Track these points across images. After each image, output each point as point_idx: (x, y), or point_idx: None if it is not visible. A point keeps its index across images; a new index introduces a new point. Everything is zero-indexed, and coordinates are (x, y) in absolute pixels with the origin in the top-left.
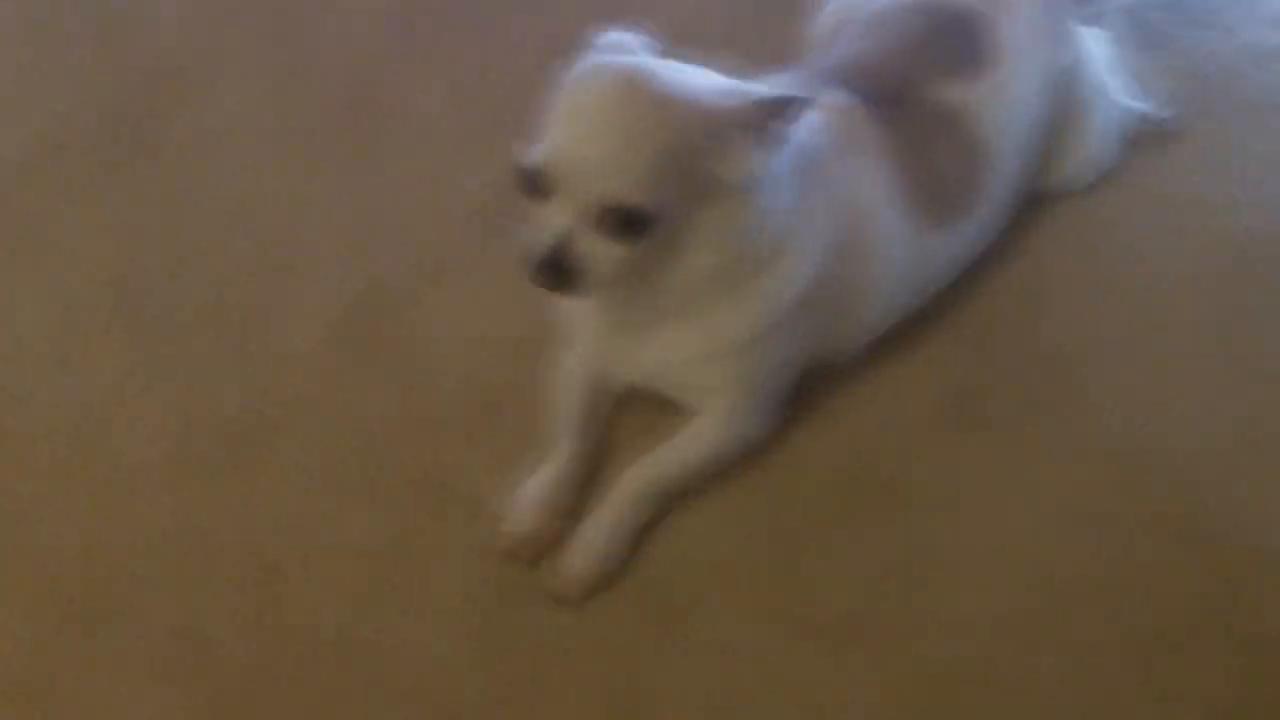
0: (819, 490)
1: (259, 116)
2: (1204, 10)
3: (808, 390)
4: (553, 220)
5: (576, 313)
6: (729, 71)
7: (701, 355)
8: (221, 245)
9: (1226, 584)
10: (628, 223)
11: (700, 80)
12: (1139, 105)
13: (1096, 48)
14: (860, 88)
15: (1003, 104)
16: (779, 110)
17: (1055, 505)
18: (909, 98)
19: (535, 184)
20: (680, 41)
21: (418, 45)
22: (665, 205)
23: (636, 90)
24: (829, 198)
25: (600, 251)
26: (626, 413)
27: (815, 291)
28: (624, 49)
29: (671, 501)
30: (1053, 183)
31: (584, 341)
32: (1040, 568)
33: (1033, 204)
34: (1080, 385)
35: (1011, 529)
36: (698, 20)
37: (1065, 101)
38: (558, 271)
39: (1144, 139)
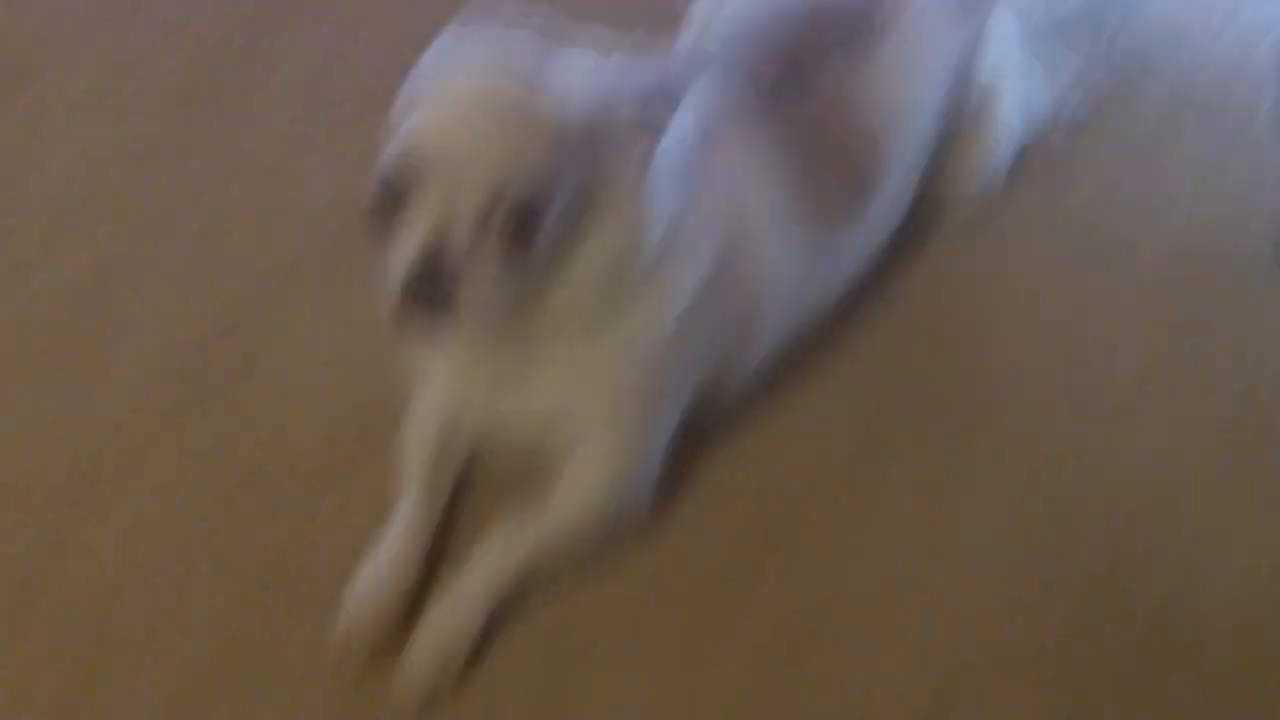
0: (714, 545)
1: (91, 111)
2: None
3: (700, 432)
4: (421, 224)
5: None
6: (604, 47)
7: (576, 389)
8: (41, 259)
9: (1157, 647)
10: (514, 223)
11: (572, 69)
12: (1046, 96)
13: (1004, 30)
14: (739, 73)
15: (893, 87)
16: (658, 100)
17: (971, 554)
18: (791, 82)
19: (394, 189)
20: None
21: (265, 32)
22: (553, 201)
23: (508, 81)
24: (709, 196)
25: (482, 260)
26: (484, 471)
27: (701, 304)
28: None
29: (533, 582)
30: (955, 181)
31: (439, 381)
32: (953, 630)
33: (934, 210)
34: (996, 417)
35: (925, 584)
36: None
37: (966, 88)
38: (430, 288)
39: (1054, 132)
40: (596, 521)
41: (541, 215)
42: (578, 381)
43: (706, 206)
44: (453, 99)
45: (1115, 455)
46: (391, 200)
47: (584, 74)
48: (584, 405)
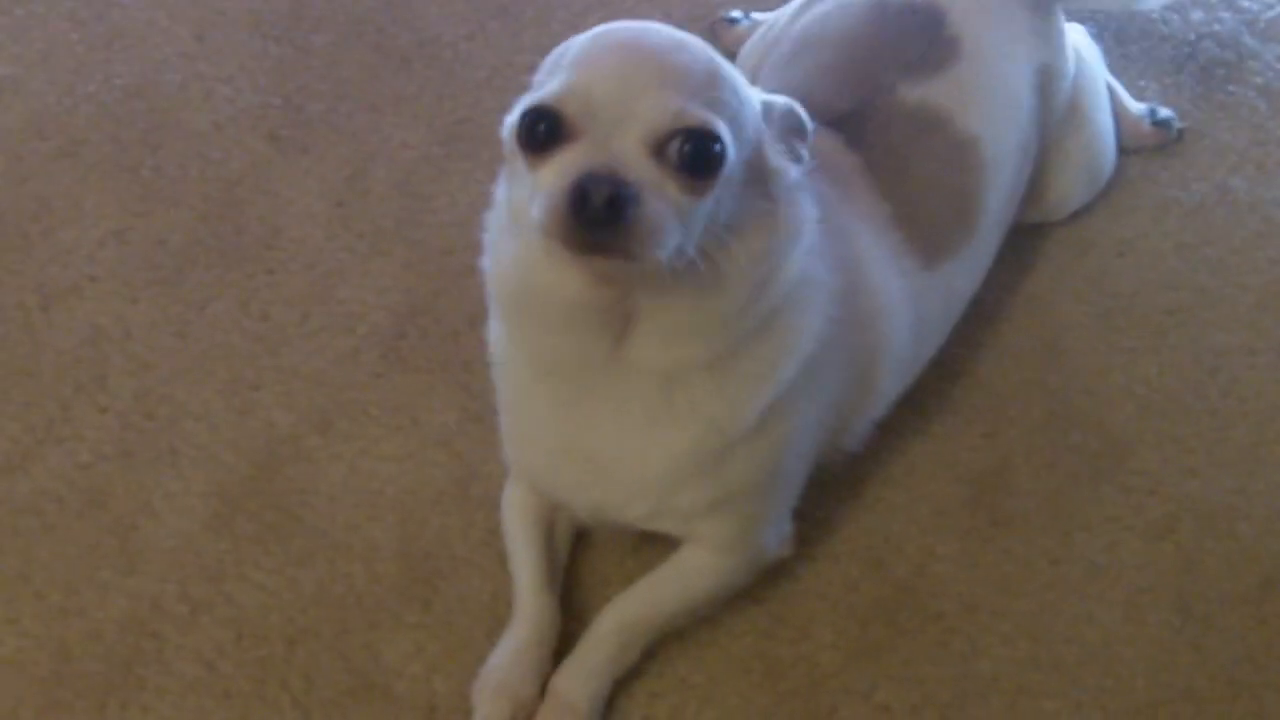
0: (829, 610)
1: (110, 242)
2: None
3: (811, 489)
4: (580, 157)
5: (519, 409)
6: None
7: (685, 457)
8: (76, 416)
9: None
10: (699, 157)
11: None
12: (1137, 107)
13: (1083, 43)
14: (814, 108)
15: (981, 96)
16: (797, 123)
17: (1106, 617)
18: (877, 111)
19: (547, 129)
20: None
21: (287, 153)
22: (733, 155)
23: (677, 33)
24: (829, 242)
25: (659, 189)
26: (600, 535)
27: (824, 358)
28: None
29: (660, 641)
30: (1049, 202)
31: (525, 445)
32: (1092, 693)
33: (1030, 235)
34: (1118, 456)
35: (1060, 663)
36: None
37: (1052, 105)
38: (610, 212)
39: (1149, 143)
40: (727, 587)
41: (720, 153)
42: (692, 440)
43: (827, 250)
44: (617, 39)
45: (1259, 485)
46: (546, 131)
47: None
48: (700, 475)
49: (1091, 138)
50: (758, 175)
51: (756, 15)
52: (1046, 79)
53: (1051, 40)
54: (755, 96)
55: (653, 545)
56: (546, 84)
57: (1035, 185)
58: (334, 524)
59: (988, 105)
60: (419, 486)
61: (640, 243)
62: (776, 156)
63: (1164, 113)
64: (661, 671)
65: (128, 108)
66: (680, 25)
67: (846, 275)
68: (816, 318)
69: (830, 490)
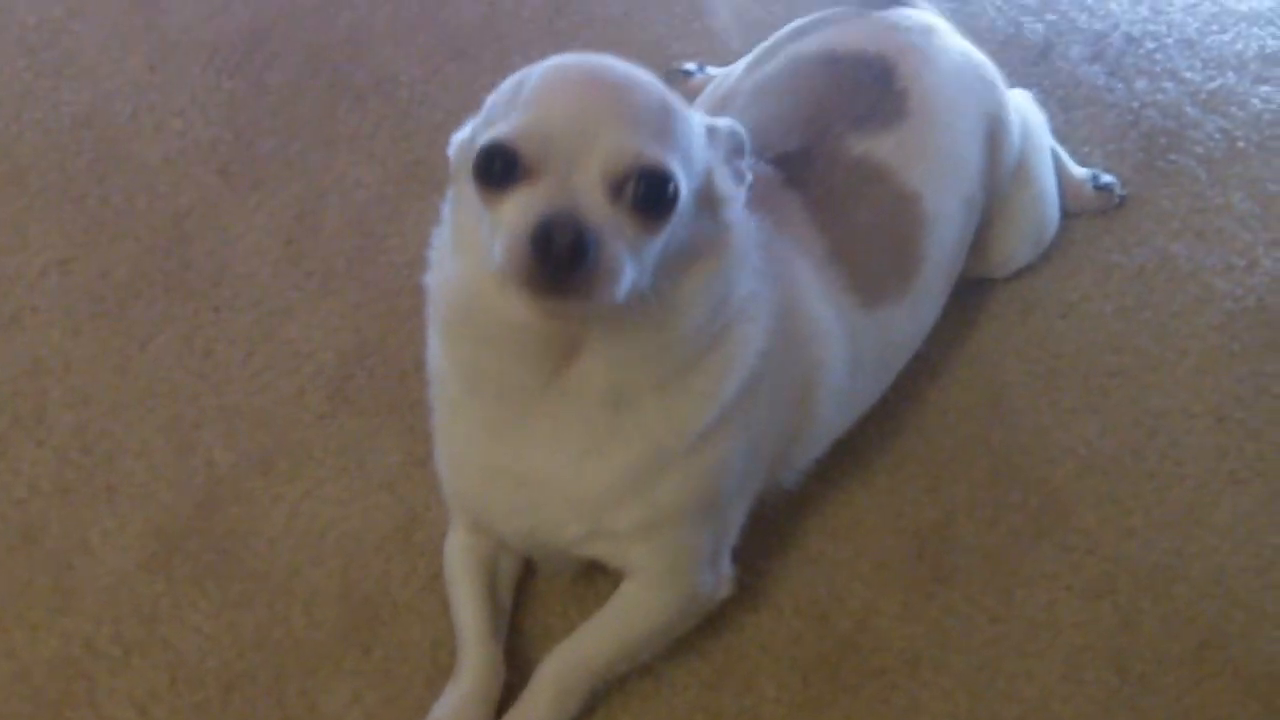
0: (773, 663)
1: (53, 272)
2: (1135, 58)
3: (753, 542)
4: (538, 197)
5: (453, 437)
6: None
7: (628, 480)
8: (12, 449)
9: None
10: (654, 198)
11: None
12: (1081, 171)
13: (1028, 108)
14: (761, 149)
15: (925, 154)
16: (739, 143)
17: (1046, 670)
18: (821, 156)
19: (504, 167)
20: None
21: (238, 188)
22: (685, 192)
23: (630, 69)
24: (769, 273)
25: (616, 228)
26: (542, 584)
27: (762, 383)
28: None
29: (603, 689)
30: (994, 259)
31: (459, 473)
32: None
33: (975, 293)
34: (1058, 515)
35: (1000, 705)
36: None
37: (999, 158)
38: (573, 256)
39: (1091, 207)
40: (665, 626)
41: (674, 194)
42: (631, 461)
43: (767, 279)
44: (574, 75)
45: (1196, 548)
46: (503, 168)
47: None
48: (638, 495)
49: (1036, 197)
50: (707, 202)
51: (711, 69)
52: (996, 128)
53: (998, 91)
54: (700, 121)
55: (596, 594)
56: (504, 118)
57: (981, 241)
58: (274, 567)
59: (932, 164)
60: (362, 531)
61: (599, 284)
62: (724, 182)
63: (1106, 178)
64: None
65: (76, 136)
66: None
67: (784, 293)
68: (760, 332)
69: (774, 542)
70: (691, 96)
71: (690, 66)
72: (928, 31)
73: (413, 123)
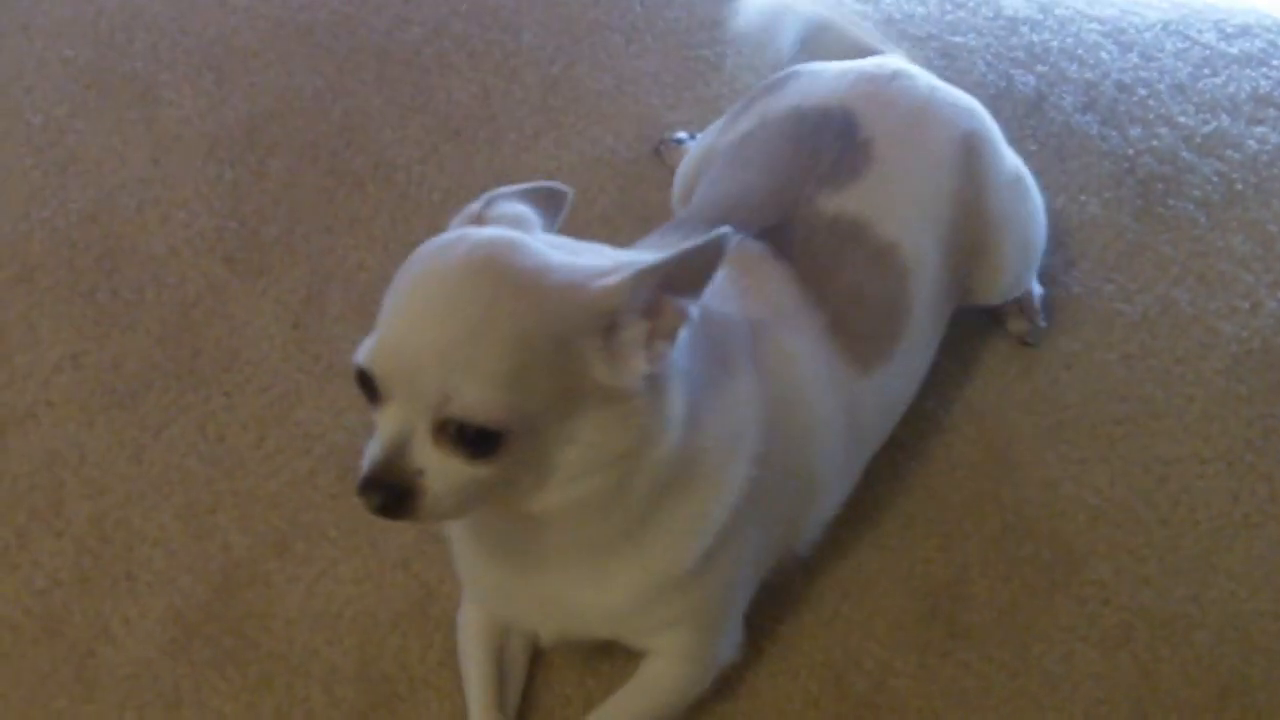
0: None
1: (65, 366)
2: (1128, 105)
3: (768, 604)
4: (386, 426)
5: (465, 552)
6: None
7: (636, 595)
8: (31, 542)
9: None
10: (473, 440)
11: (583, 257)
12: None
13: (999, 145)
14: (743, 222)
15: (894, 198)
16: (683, 275)
17: None
18: (799, 223)
19: (368, 386)
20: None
21: (244, 276)
22: (522, 420)
23: (493, 266)
24: (750, 370)
25: (443, 467)
26: (558, 657)
27: (758, 489)
28: (503, 219)
29: None
30: (972, 295)
31: (478, 584)
32: None
33: (978, 346)
34: (1071, 567)
35: None
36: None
37: (984, 169)
38: (388, 490)
39: (1092, 253)
40: (690, 695)
41: (496, 432)
42: (636, 580)
43: (747, 381)
44: (424, 291)
45: (1212, 594)
46: (369, 389)
47: (593, 262)
48: (649, 605)
49: (1031, 214)
50: (595, 391)
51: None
52: (973, 145)
53: (974, 113)
54: (594, 290)
55: (612, 662)
56: (367, 341)
57: (982, 265)
58: (292, 647)
59: (902, 209)
60: (377, 608)
61: (425, 516)
62: (631, 360)
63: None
64: None
65: (83, 232)
66: (629, 147)
67: (777, 402)
68: (735, 477)
69: (788, 605)
70: None
71: (682, 135)
72: (893, 76)
73: (411, 204)
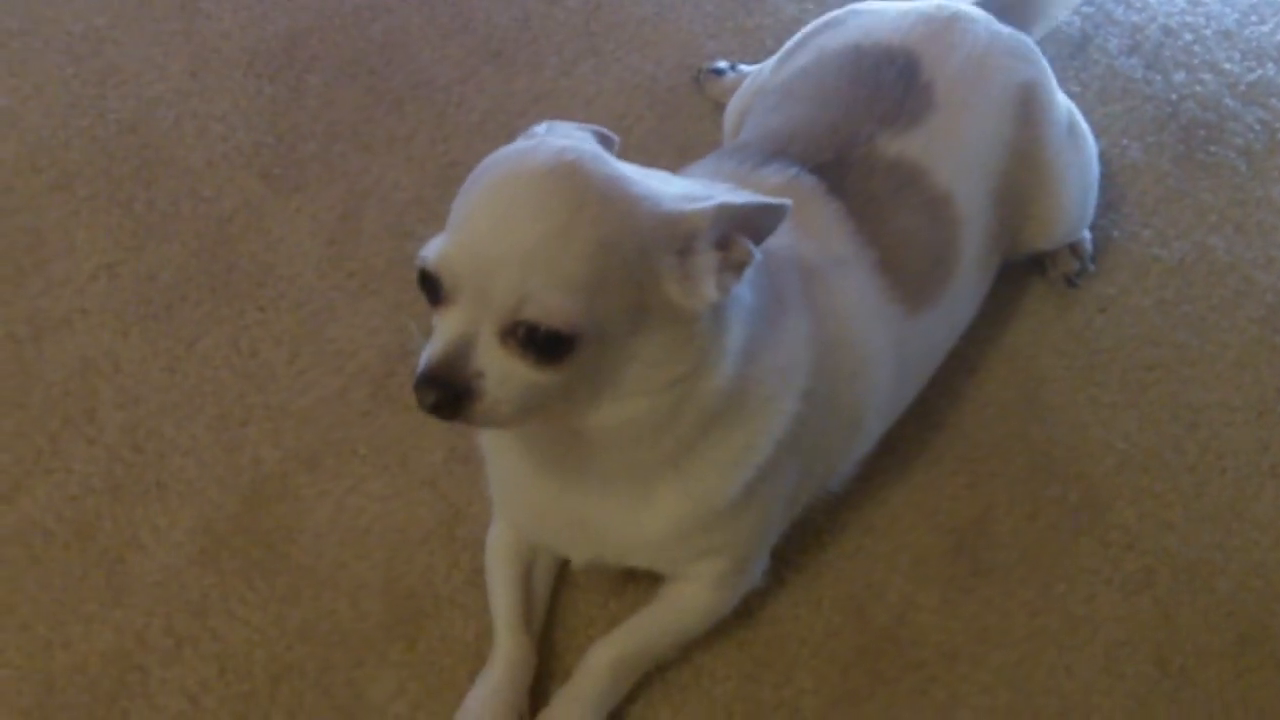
0: (811, 655)
1: (101, 276)
2: (1173, 50)
3: (792, 535)
4: (449, 326)
5: (504, 469)
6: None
7: (676, 523)
8: (64, 449)
9: None
10: (544, 344)
11: (656, 181)
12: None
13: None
14: (797, 155)
15: (953, 146)
16: (752, 222)
17: (1084, 664)
18: (856, 162)
19: (432, 287)
20: None
21: (280, 192)
22: (593, 327)
23: (580, 171)
24: (803, 308)
25: (505, 371)
26: (582, 577)
27: (803, 425)
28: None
29: (647, 674)
30: (1028, 242)
31: (515, 504)
32: None
33: (1013, 288)
34: (1097, 510)
35: (1040, 698)
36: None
37: (1041, 119)
38: (445, 388)
39: (1132, 198)
40: (717, 619)
41: (576, 343)
42: (675, 511)
43: (799, 321)
44: (501, 194)
45: (1236, 541)
46: (431, 288)
47: (669, 188)
48: (685, 538)
49: (1086, 164)
50: (662, 309)
51: (743, 67)
52: (1030, 95)
53: (1032, 60)
54: (676, 211)
55: (637, 586)
56: (447, 230)
57: (1041, 211)
58: (320, 561)
59: (960, 158)
60: (405, 525)
61: (479, 420)
62: (701, 285)
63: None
64: (644, 715)
65: (121, 143)
66: (669, 75)
67: (826, 342)
68: (782, 412)
69: (813, 537)
70: (723, 96)
71: (722, 65)
72: (953, 17)
73: (449, 125)
